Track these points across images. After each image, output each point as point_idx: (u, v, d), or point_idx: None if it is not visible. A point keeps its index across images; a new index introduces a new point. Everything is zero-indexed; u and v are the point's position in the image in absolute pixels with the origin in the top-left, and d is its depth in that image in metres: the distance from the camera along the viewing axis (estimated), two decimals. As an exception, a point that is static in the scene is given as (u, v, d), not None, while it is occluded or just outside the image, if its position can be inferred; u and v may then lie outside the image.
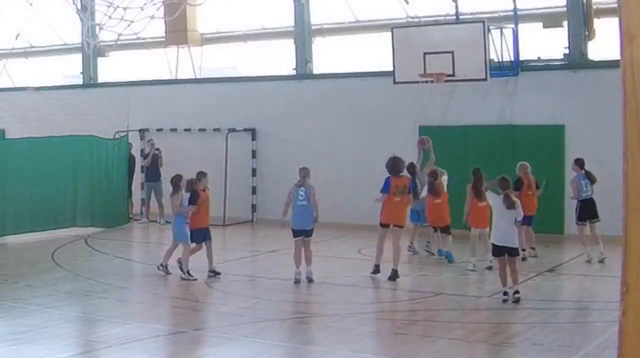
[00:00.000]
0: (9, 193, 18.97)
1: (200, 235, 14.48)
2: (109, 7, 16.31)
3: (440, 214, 15.92)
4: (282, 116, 22.32)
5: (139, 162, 22.91)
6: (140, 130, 23.76)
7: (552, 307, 12.54)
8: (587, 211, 15.75)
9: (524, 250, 16.17)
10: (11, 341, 10.20)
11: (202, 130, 23.28)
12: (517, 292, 12.32)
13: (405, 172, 15.06)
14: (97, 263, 16.09)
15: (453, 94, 19.70)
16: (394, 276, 14.13)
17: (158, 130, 23.79)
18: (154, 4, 16.63)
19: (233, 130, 22.58)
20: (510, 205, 12.28)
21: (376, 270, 14.51)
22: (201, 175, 14.62)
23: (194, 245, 14.55)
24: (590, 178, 15.83)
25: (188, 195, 14.37)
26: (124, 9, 16.24)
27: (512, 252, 12.40)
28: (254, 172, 22.58)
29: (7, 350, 9.79)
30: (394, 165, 14.50)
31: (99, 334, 11.05)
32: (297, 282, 13.94)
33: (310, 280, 14.02)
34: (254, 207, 22.58)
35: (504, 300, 12.28)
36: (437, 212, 15.90)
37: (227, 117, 22.83)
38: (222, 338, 10.64)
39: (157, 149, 22.37)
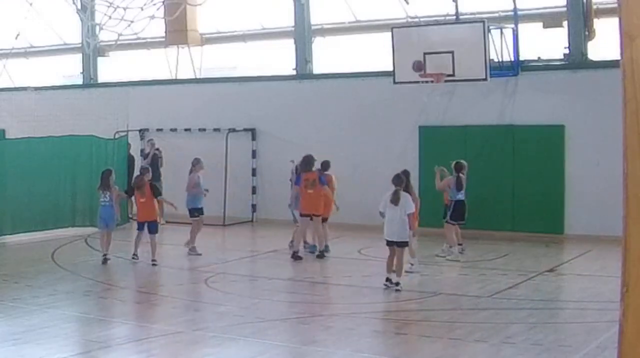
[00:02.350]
0: (9, 193, 18.97)
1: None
2: (109, 7, 16.32)
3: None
4: (282, 116, 22.32)
5: (138, 162, 22.90)
6: (140, 130, 23.77)
7: (552, 307, 12.55)
8: (462, 211, 16.39)
9: (460, 244, 16.61)
10: (11, 341, 10.20)
11: (202, 130, 23.29)
12: (397, 283, 13.14)
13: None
14: (97, 263, 16.07)
15: (453, 94, 19.71)
16: (322, 255, 16.27)
17: (158, 130, 23.80)
18: (154, 4, 16.64)
19: (233, 130, 22.59)
20: (395, 200, 12.99)
21: (298, 256, 16.08)
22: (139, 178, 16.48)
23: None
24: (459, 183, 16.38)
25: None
26: (124, 9, 16.25)
27: (400, 244, 13.19)
28: (254, 172, 22.59)
29: (7, 350, 9.79)
30: (306, 161, 16.50)
31: (99, 334, 11.04)
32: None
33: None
34: (254, 207, 22.58)
35: (385, 287, 13.20)
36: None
37: (227, 117, 22.83)
38: (222, 338, 10.63)
39: (157, 149, 22.37)
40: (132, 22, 16.40)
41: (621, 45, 3.55)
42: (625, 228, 3.57)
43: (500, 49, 19.02)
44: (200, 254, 16.83)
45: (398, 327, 11.40)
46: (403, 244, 13.24)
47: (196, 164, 17.46)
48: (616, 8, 3.66)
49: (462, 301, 12.67)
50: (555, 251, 17.58)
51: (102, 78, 26.45)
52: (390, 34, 19.30)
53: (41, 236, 19.04)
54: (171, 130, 23.71)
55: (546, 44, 19.81)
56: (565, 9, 19.30)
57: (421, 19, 20.29)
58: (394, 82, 19.35)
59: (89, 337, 10.93)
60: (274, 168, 22.23)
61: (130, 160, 22.17)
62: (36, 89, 26.05)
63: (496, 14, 19.80)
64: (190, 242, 17.03)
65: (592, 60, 19.09)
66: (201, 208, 17.16)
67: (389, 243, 13.21)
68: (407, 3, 20.41)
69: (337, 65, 22.55)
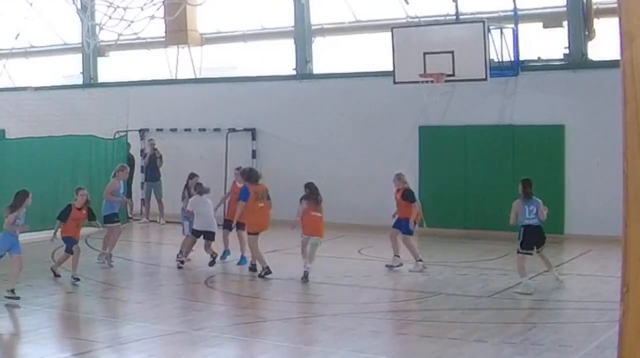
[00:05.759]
0: (9, 193, 18.88)
1: (71, 243, 14.30)
2: (109, 7, 16.32)
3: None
4: (282, 116, 22.32)
5: (138, 162, 22.93)
6: (140, 130, 23.77)
7: (552, 307, 12.55)
8: (532, 238, 13.55)
9: (420, 260, 15.25)
10: (11, 341, 10.20)
11: (202, 130, 23.28)
12: (212, 262, 15.38)
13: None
14: (97, 263, 16.06)
15: (453, 94, 19.70)
16: (267, 272, 14.68)
17: (158, 130, 23.79)
18: (154, 4, 16.63)
19: (233, 130, 22.59)
20: (202, 192, 15.80)
21: (268, 271, 14.63)
22: (80, 191, 14.64)
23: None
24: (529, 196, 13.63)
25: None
26: (124, 9, 16.25)
27: (210, 236, 15.63)
28: (254, 172, 22.57)
29: (7, 350, 9.79)
30: (251, 173, 15.60)
31: (99, 334, 11.05)
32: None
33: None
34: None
35: (179, 267, 15.40)
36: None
37: (227, 117, 22.83)
38: (222, 338, 10.64)
39: (155, 149, 22.39)
40: (132, 22, 16.39)
41: (621, 45, 3.54)
42: (625, 228, 3.56)
43: (500, 49, 19.01)
44: (112, 266, 15.64)
45: (398, 327, 11.40)
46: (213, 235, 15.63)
47: (120, 170, 16.77)
48: (616, 8, 3.66)
49: (462, 301, 12.68)
50: (556, 251, 17.56)
51: (102, 78, 26.44)
52: (390, 34, 19.30)
53: (41, 236, 19.00)
54: (171, 130, 23.70)
55: (546, 44, 19.80)
56: (565, 9, 19.29)
57: (421, 19, 20.29)
58: (394, 82, 19.35)
59: (89, 337, 10.94)
60: (274, 168, 22.22)
61: (131, 160, 22.19)
62: (36, 89, 26.03)
63: (496, 14, 19.79)
64: (108, 249, 15.91)
65: (592, 60, 19.08)
66: (117, 214, 16.50)
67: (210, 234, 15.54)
68: (407, 3, 20.40)
69: (337, 65, 22.54)
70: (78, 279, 14.05)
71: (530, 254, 13.50)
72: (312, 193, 15.04)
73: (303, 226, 14.99)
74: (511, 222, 13.60)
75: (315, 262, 14.66)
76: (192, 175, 17.15)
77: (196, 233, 15.85)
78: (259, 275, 14.64)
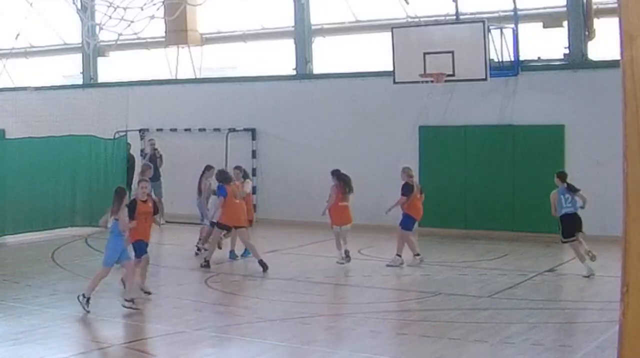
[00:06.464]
0: (9, 193, 18.97)
1: (143, 248, 13.02)
2: (109, 7, 16.31)
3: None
4: (282, 116, 22.32)
5: (138, 162, 22.91)
6: (140, 130, 23.77)
7: (552, 307, 12.54)
8: (571, 225, 14.41)
9: (417, 255, 15.60)
10: (11, 341, 10.20)
11: (202, 130, 23.29)
12: (203, 249, 16.26)
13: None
14: (97, 263, 16.00)
15: (453, 94, 19.70)
16: (264, 267, 15.05)
17: (158, 130, 23.80)
18: (154, 4, 16.63)
19: (233, 130, 22.59)
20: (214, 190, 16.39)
21: (207, 264, 15.39)
22: (142, 182, 13.34)
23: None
24: (572, 190, 14.51)
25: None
26: (124, 9, 16.24)
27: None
28: (254, 172, 22.56)
29: (7, 350, 9.79)
30: (222, 175, 16.02)
31: (99, 334, 11.05)
32: None
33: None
34: (254, 207, 22.52)
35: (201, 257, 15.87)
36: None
37: (227, 117, 22.83)
38: (222, 338, 10.64)
39: (156, 149, 22.39)
40: (132, 22, 16.39)
41: (621, 45, 3.54)
42: (625, 228, 3.56)
43: (500, 49, 19.01)
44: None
45: (398, 327, 11.40)
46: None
47: (147, 169, 17.59)
48: (616, 8, 3.66)
49: (462, 301, 12.68)
50: (555, 251, 17.55)
51: (102, 78, 26.44)
52: (390, 34, 19.30)
53: (41, 236, 19.04)
54: (171, 130, 23.70)
55: (546, 44, 19.81)
56: (565, 9, 19.30)
57: (421, 19, 20.28)
58: (394, 82, 19.34)
59: (89, 337, 10.95)
60: (274, 168, 22.24)
61: (131, 160, 22.19)
62: (36, 88, 26.04)
63: (496, 14, 19.79)
64: None
65: (592, 60, 19.08)
66: None
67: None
68: (407, 3, 20.40)
69: (337, 65, 22.54)
70: (149, 293, 13.06)
71: (575, 240, 14.40)
72: (342, 183, 15.88)
73: (332, 217, 15.79)
74: (553, 213, 14.54)
75: (314, 262, 14.66)
76: (208, 167, 17.72)
77: (223, 227, 15.91)
78: (201, 265, 15.45)
